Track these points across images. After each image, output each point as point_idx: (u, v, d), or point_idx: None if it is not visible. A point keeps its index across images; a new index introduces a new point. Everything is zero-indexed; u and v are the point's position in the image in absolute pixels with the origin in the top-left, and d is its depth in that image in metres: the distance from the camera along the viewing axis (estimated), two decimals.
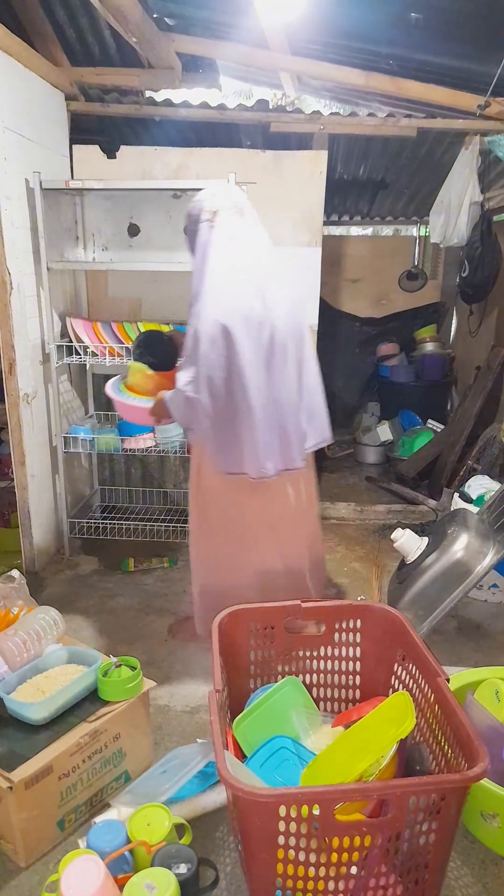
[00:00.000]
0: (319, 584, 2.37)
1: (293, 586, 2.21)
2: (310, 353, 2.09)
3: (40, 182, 2.75)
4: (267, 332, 1.91)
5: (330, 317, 5.37)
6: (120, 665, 1.82)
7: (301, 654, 1.94)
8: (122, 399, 2.43)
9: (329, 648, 1.93)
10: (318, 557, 2.34)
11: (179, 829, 1.56)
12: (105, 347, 3.04)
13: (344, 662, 1.93)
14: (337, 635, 1.92)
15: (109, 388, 2.50)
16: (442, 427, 4.53)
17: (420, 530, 2.88)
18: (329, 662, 1.94)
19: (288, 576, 2.21)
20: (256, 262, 1.95)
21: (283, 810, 1.27)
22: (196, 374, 1.90)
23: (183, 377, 1.94)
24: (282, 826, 1.28)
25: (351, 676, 1.94)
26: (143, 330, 2.87)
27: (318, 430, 2.15)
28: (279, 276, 2.00)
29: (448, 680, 1.55)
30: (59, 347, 3.06)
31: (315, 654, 1.94)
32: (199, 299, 1.92)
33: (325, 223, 5.44)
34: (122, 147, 3.28)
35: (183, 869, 1.39)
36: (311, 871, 1.34)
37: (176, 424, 2.63)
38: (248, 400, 1.92)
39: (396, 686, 1.81)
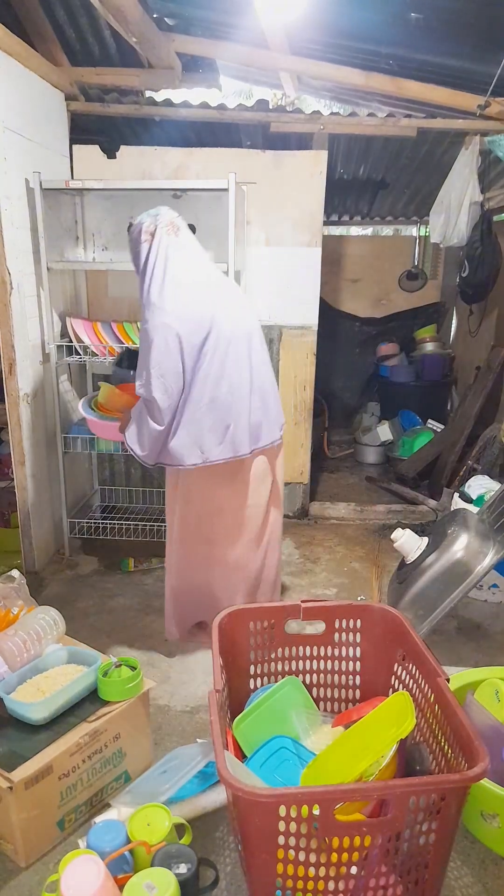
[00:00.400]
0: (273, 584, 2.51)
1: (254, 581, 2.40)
2: (258, 348, 2.26)
3: (40, 182, 2.75)
4: (212, 332, 2.08)
5: (330, 317, 5.37)
6: (120, 665, 1.82)
7: (301, 653, 1.94)
8: (93, 417, 2.66)
9: (329, 648, 1.93)
10: (274, 560, 2.48)
11: (179, 829, 1.56)
12: (105, 347, 3.04)
13: (344, 662, 1.94)
14: (337, 635, 1.92)
15: (81, 407, 2.71)
16: (442, 427, 4.53)
17: (420, 530, 2.89)
18: (329, 662, 1.94)
19: (253, 571, 2.38)
20: (195, 273, 2.14)
21: (283, 810, 1.27)
22: (148, 376, 2.05)
23: (137, 383, 2.10)
24: (282, 826, 1.28)
25: (351, 676, 1.94)
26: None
27: (274, 418, 2.32)
28: (222, 283, 2.23)
29: (448, 680, 1.55)
30: (59, 347, 3.06)
31: (315, 654, 1.94)
32: (146, 310, 2.09)
33: (325, 223, 5.45)
34: (122, 147, 3.28)
35: (183, 869, 1.39)
36: (311, 871, 1.34)
37: None
38: (202, 392, 2.09)
39: (396, 686, 1.81)
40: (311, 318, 3.45)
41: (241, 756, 1.72)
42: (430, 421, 4.70)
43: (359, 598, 2.88)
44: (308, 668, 1.95)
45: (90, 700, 1.78)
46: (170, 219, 2.15)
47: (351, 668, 1.94)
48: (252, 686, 1.93)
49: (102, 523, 3.38)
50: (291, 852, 1.32)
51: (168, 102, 3.30)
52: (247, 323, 2.22)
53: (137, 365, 2.13)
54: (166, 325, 2.02)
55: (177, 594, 2.42)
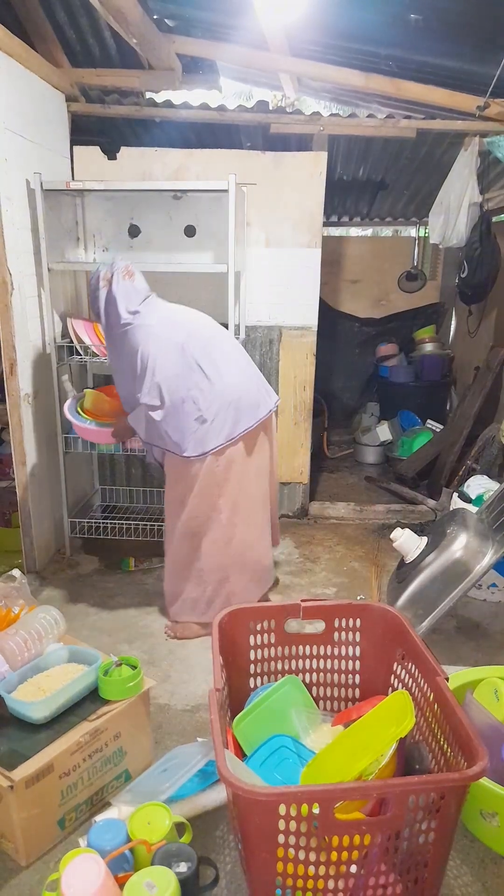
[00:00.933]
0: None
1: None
2: (231, 341, 2.53)
3: (41, 183, 2.76)
4: (192, 337, 2.36)
5: (330, 317, 5.38)
6: (120, 664, 1.83)
7: (301, 653, 1.94)
8: (82, 424, 2.73)
9: (329, 647, 1.94)
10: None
11: (179, 827, 1.57)
12: (105, 348, 3.04)
13: (343, 661, 1.94)
14: (336, 634, 1.92)
15: (67, 411, 2.80)
16: (441, 427, 4.54)
17: (419, 530, 2.89)
18: (329, 661, 1.95)
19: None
20: (155, 300, 2.47)
21: (282, 809, 1.28)
22: (149, 386, 2.29)
23: (142, 397, 2.32)
24: (282, 825, 1.29)
25: (350, 675, 1.95)
26: None
27: (268, 390, 2.54)
28: (175, 306, 2.52)
29: (447, 679, 1.55)
30: (60, 347, 3.07)
31: (315, 653, 1.94)
32: (119, 339, 2.37)
33: (325, 224, 5.46)
34: (123, 148, 3.29)
35: (183, 868, 1.39)
36: (311, 869, 1.34)
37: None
38: (198, 385, 2.30)
39: (396, 685, 1.82)
40: (311, 318, 3.46)
41: (241, 755, 1.72)
42: (429, 421, 4.71)
43: (358, 598, 2.88)
44: (308, 667, 1.95)
45: (91, 699, 1.79)
46: (124, 265, 2.41)
47: (350, 668, 1.94)
48: (252, 685, 1.94)
49: (103, 523, 3.39)
50: (291, 851, 1.32)
51: (168, 104, 3.30)
52: (214, 326, 2.49)
53: (120, 384, 2.43)
54: (154, 343, 2.29)
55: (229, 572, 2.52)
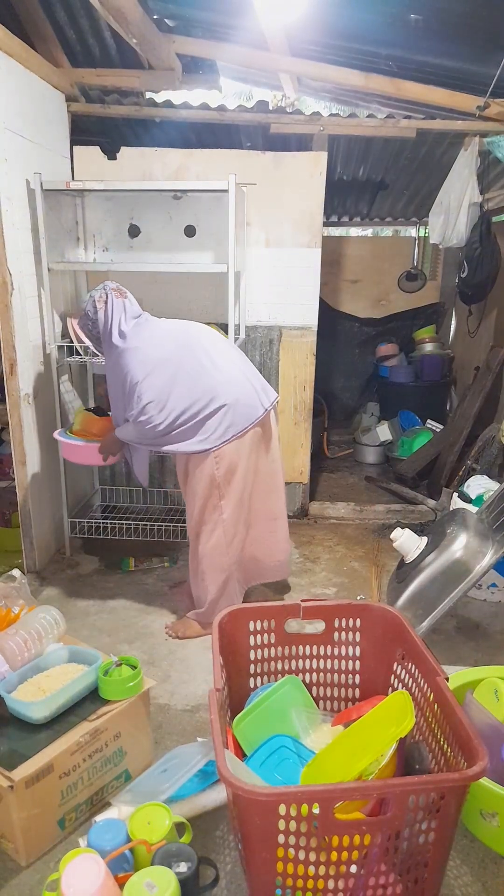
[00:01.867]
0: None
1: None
2: (227, 344, 2.56)
3: (41, 183, 2.76)
4: (184, 347, 2.39)
5: (330, 317, 5.38)
6: (120, 664, 1.83)
7: (301, 653, 1.94)
8: (70, 440, 2.75)
9: (329, 647, 1.94)
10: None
11: (179, 827, 1.57)
12: None
13: (343, 661, 1.94)
14: (336, 634, 1.92)
15: (57, 434, 2.83)
16: (441, 427, 4.54)
17: (419, 530, 2.89)
18: (329, 661, 1.95)
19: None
20: (147, 321, 2.49)
21: (282, 809, 1.28)
22: (138, 410, 2.31)
23: (133, 418, 2.36)
24: (282, 825, 1.29)
25: (350, 675, 1.95)
26: None
27: (265, 388, 2.56)
28: (168, 321, 2.54)
29: (447, 679, 1.55)
30: (60, 348, 3.07)
31: (315, 653, 1.94)
32: (117, 356, 2.39)
33: (325, 224, 5.46)
34: (123, 148, 3.29)
35: (183, 868, 1.39)
36: (311, 869, 1.34)
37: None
38: (190, 393, 2.33)
39: (396, 685, 1.82)
40: (311, 318, 3.46)
41: (241, 755, 1.72)
42: (429, 421, 4.71)
43: (358, 598, 2.88)
44: (308, 667, 1.95)
45: (91, 699, 1.79)
46: (115, 286, 2.51)
47: (350, 668, 1.94)
48: (252, 685, 1.94)
49: (103, 523, 3.39)
50: (291, 851, 1.32)
51: (168, 104, 3.31)
52: (208, 330, 2.53)
53: (114, 400, 2.49)
54: (136, 349, 2.34)
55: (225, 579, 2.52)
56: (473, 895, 1.53)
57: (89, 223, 3.38)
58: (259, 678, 1.95)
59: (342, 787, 1.33)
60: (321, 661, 1.95)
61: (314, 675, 1.95)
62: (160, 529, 3.37)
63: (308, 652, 1.94)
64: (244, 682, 1.93)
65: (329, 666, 1.95)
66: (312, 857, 1.33)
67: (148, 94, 3.44)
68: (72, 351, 3.12)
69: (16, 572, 2.23)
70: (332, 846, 1.32)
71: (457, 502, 3.01)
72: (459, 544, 2.29)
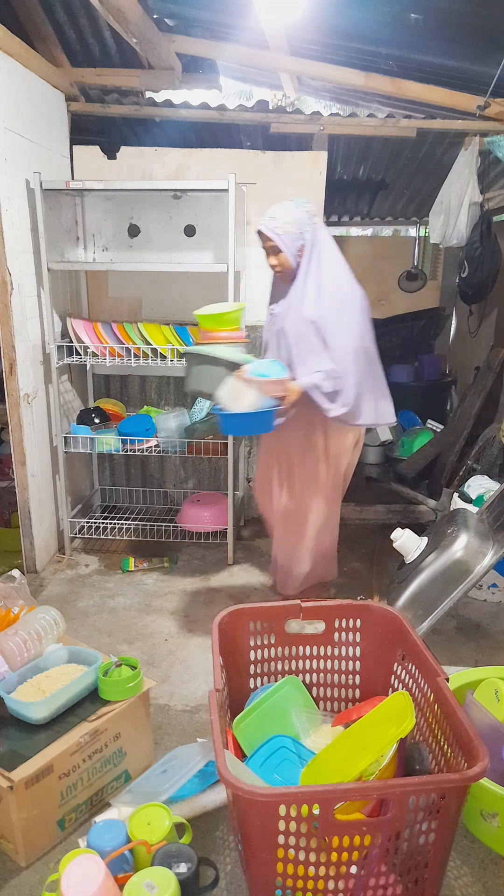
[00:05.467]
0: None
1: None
2: None
3: (41, 182, 2.76)
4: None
5: None
6: (120, 664, 1.82)
7: (301, 653, 1.94)
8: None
9: (329, 648, 1.93)
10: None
11: (179, 828, 1.56)
12: (105, 348, 3.04)
13: (344, 662, 1.94)
14: (337, 635, 1.92)
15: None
16: (441, 427, 4.53)
17: (419, 530, 2.88)
18: (329, 662, 1.94)
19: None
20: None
21: (282, 810, 1.28)
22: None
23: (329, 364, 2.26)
24: (282, 825, 1.29)
25: (351, 676, 1.95)
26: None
27: None
28: None
29: (447, 679, 1.55)
30: (60, 348, 3.06)
31: (315, 653, 1.94)
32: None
33: (325, 224, 5.44)
34: (123, 148, 3.29)
35: (183, 868, 1.39)
36: (311, 870, 1.34)
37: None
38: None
39: (396, 686, 1.82)
40: None
41: (241, 755, 1.72)
42: (429, 421, 4.70)
43: (358, 598, 2.87)
44: (308, 667, 1.95)
45: (90, 699, 1.79)
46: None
47: (350, 668, 1.94)
48: (252, 685, 1.94)
49: (103, 523, 3.39)
50: (291, 851, 1.32)
51: (168, 103, 3.30)
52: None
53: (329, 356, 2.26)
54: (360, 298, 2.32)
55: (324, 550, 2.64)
56: (473, 895, 1.53)
57: (89, 223, 3.38)
58: (259, 678, 1.94)
59: (342, 788, 1.33)
60: (321, 662, 1.95)
61: (314, 675, 1.95)
62: (160, 529, 3.37)
63: (308, 652, 1.94)
64: (244, 682, 1.92)
65: (329, 666, 1.95)
66: (312, 857, 1.33)
67: (148, 94, 3.44)
68: (71, 351, 3.12)
69: (16, 572, 2.22)
70: (332, 847, 1.32)
71: (457, 502, 3.01)
72: (460, 544, 2.28)
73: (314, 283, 2.26)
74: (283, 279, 2.36)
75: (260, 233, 2.29)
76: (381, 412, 2.48)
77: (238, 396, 2.19)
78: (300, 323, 2.26)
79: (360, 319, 2.28)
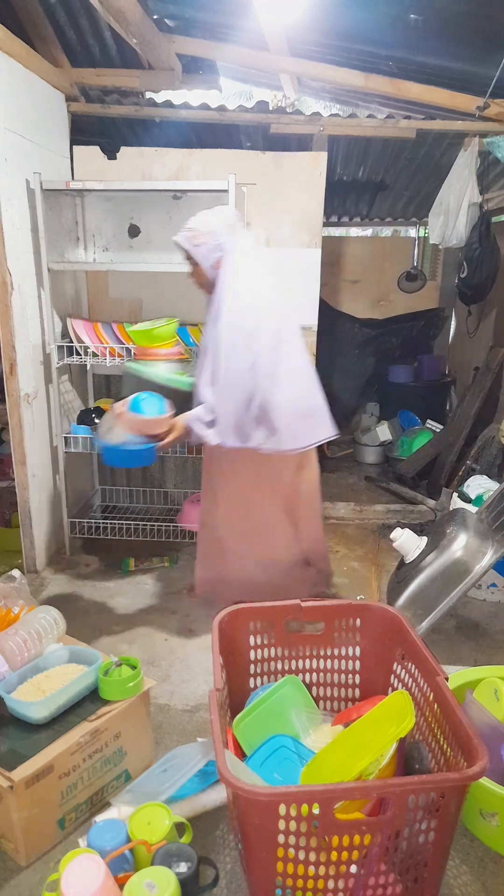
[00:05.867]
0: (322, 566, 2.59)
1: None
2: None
3: (41, 183, 2.76)
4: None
5: (329, 317, 5.37)
6: (120, 664, 1.83)
7: (301, 653, 1.94)
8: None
9: (329, 648, 1.94)
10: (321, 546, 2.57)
11: (179, 827, 1.57)
12: (105, 348, 3.04)
13: (343, 661, 1.94)
14: (336, 634, 1.92)
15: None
16: (441, 427, 4.54)
17: (419, 530, 2.89)
18: (329, 661, 1.95)
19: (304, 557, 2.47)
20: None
21: (282, 809, 1.28)
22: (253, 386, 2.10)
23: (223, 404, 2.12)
24: (281, 825, 1.29)
25: (350, 675, 1.95)
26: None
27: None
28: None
29: (447, 679, 1.55)
30: (60, 348, 3.06)
31: (315, 653, 1.94)
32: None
33: (325, 224, 5.45)
34: (123, 148, 3.29)
35: (183, 868, 1.39)
36: (311, 869, 1.34)
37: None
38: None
39: (396, 685, 1.82)
40: (311, 318, 3.46)
41: (241, 755, 1.72)
42: (429, 421, 4.71)
43: (358, 598, 2.88)
44: (308, 667, 1.95)
45: (91, 699, 1.79)
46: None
47: (350, 668, 1.94)
48: (252, 685, 1.94)
49: (103, 523, 3.39)
50: (291, 851, 1.32)
51: (168, 104, 3.31)
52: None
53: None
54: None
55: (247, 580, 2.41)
56: (473, 895, 1.53)
57: (89, 223, 3.38)
58: (259, 678, 1.94)
59: (342, 787, 1.34)
60: (321, 661, 1.95)
61: (314, 675, 1.95)
62: (160, 529, 3.37)
63: (308, 652, 1.94)
64: (244, 682, 1.93)
65: (329, 666, 1.95)
66: (312, 857, 1.33)
67: (148, 94, 3.44)
68: (72, 351, 3.12)
69: (16, 572, 2.23)
70: (332, 846, 1.32)
71: (457, 502, 3.01)
72: (459, 544, 2.29)
73: (218, 298, 2.15)
74: (206, 292, 2.25)
75: (177, 244, 2.19)
76: (309, 434, 2.25)
77: (109, 430, 2.17)
78: (209, 342, 2.18)
79: (261, 340, 2.08)
